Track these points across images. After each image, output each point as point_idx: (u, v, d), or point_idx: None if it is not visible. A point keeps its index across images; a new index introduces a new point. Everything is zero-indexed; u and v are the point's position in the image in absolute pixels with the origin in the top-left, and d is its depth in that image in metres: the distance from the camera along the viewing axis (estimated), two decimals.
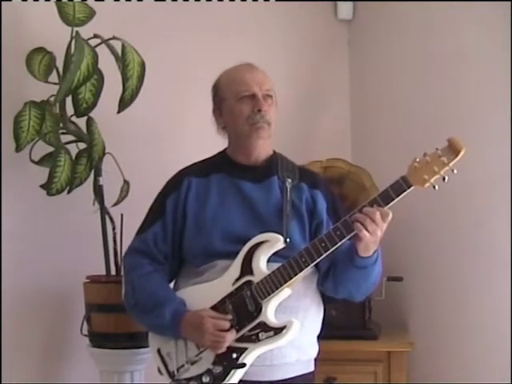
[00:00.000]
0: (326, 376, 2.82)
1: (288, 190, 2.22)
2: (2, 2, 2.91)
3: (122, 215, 2.84)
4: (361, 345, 2.87)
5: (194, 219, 2.23)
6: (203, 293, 2.17)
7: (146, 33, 3.04)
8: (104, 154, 2.83)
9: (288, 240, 2.14)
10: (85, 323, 2.82)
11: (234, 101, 2.23)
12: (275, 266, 2.11)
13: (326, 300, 2.30)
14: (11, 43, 2.90)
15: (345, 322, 2.92)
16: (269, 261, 2.14)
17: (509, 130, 2.57)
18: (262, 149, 2.27)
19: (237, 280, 2.14)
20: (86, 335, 2.82)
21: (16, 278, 2.93)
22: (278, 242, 2.13)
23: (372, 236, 2.03)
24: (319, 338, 2.27)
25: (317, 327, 2.27)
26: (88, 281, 2.81)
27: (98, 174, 2.85)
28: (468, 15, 2.76)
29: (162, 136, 3.14)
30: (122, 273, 2.31)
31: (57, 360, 3.03)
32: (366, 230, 2.02)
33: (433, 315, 2.96)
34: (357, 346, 2.87)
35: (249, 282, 2.12)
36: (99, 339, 2.79)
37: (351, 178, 3.10)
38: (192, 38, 3.16)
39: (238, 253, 2.15)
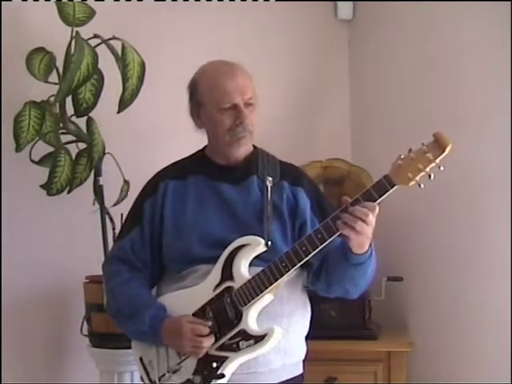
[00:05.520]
0: (326, 376, 2.83)
1: (268, 189, 2.15)
2: (2, 2, 2.91)
3: (122, 215, 2.83)
4: (361, 345, 2.87)
5: (172, 223, 2.16)
6: (184, 299, 2.11)
7: (146, 33, 3.05)
8: (104, 153, 2.83)
9: (269, 243, 2.07)
10: (85, 323, 2.82)
11: (214, 110, 2.14)
12: (257, 270, 2.04)
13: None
14: (11, 43, 2.90)
15: (345, 322, 2.92)
16: (251, 264, 2.07)
17: (509, 129, 2.57)
18: (242, 152, 2.19)
19: (217, 286, 2.07)
20: (86, 335, 2.82)
21: (16, 277, 2.94)
22: (259, 246, 2.05)
23: (362, 235, 1.96)
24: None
25: (303, 330, 2.22)
26: (88, 281, 2.82)
27: (97, 173, 2.85)
28: (468, 15, 2.76)
29: (162, 136, 3.14)
30: (103, 281, 2.27)
31: (57, 360, 3.04)
32: (355, 230, 1.94)
33: (433, 315, 2.96)
34: (357, 346, 2.87)
35: (229, 288, 2.05)
36: (99, 339, 2.79)
37: (351, 178, 3.10)
38: (192, 37, 3.17)
39: (218, 257, 2.08)
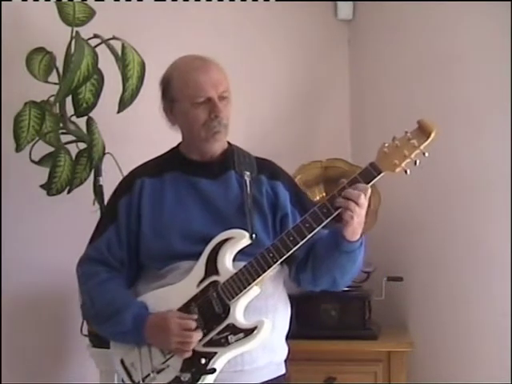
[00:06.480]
0: (326, 376, 2.82)
1: (247, 183, 2.13)
2: (2, 2, 2.91)
3: None
4: (361, 345, 2.87)
5: (149, 222, 2.13)
6: (167, 297, 2.07)
7: (146, 33, 3.04)
8: (104, 153, 2.83)
9: (254, 236, 2.05)
10: (85, 323, 2.82)
11: (188, 105, 2.13)
12: (240, 264, 2.02)
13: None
14: (11, 43, 2.90)
15: (345, 322, 2.92)
16: (234, 259, 2.05)
17: (509, 129, 2.57)
18: (218, 147, 2.18)
19: (202, 281, 2.04)
20: (86, 335, 2.82)
21: (16, 277, 2.94)
22: (243, 239, 2.03)
23: (358, 218, 1.96)
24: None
25: (285, 327, 2.19)
26: None
27: (97, 173, 2.84)
28: (468, 15, 2.76)
29: (162, 136, 3.13)
30: (78, 283, 2.23)
31: (57, 360, 3.04)
32: (352, 213, 1.94)
33: (433, 315, 2.96)
34: (357, 346, 2.87)
35: (215, 283, 2.03)
36: (99, 339, 2.78)
37: None
38: (192, 37, 3.16)
39: (200, 253, 2.05)
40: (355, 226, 1.98)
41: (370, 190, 1.96)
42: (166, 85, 2.20)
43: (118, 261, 2.17)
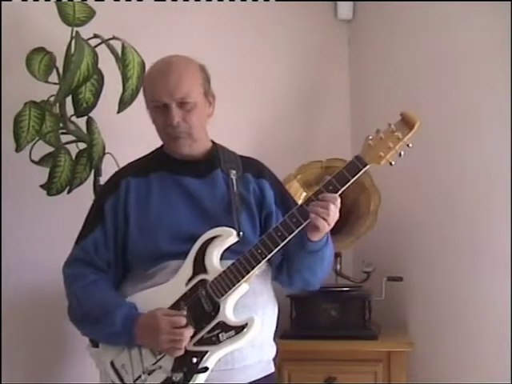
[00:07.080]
0: (325, 376, 2.82)
1: (234, 181, 2.14)
2: (2, 2, 2.92)
3: None
4: (361, 345, 2.87)
5: (136, 222, 2.13)
6: (155, 297, 2.06)
7: (146, 33, 3.05)
8: (104, 153, 2.83)
9: (241, 233, 2.06)
10: None
11: (152, 107, 2.17)
12: (228, 262, 2.02)
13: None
14: (11, 43, 2.90)
15: (345, 322, 2.92)
16: (221, 258, 2.04)
17: (509, 129, 2.57)
18: (194, 148, 2.17)
19: (190, 280, 2.04)
20: None
21: (16, 277, 2.94)
22: (230, 236, 2.03)
23: (330, 226, 2.00)
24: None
25: (273, 326, 2.20)
26: None
27: (98, 173, 2.85)
28: (468, 15, 2.75)
29: None
30: (64, 285, 2.20)
31: (57, 360, 3.04)
32: (326, 221, 1.97)
33: (433, 315, 2.96)
34: (357, 346, 2.87)
35: (203, 281, 2.02)
36: None
37: None
38: (192, 37, 3.17)
39: (188, 252, 2.05)
40: (323, 232, 2.02)
41: (339, 200, 2.00)
42: (143, 85, 2.25)
43: (104, 262, 2.17)
